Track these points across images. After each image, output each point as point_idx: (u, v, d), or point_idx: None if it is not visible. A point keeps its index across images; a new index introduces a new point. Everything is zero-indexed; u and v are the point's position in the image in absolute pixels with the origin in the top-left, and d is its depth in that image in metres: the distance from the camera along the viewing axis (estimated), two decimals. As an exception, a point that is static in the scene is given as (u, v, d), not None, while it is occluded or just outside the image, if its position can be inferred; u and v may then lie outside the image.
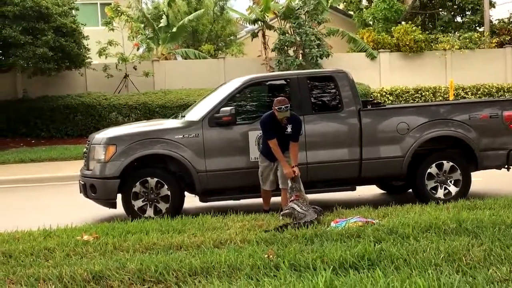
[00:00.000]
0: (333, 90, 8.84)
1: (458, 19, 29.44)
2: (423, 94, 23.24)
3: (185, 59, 26.20)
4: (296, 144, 7.99)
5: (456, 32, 26.81)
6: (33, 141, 20.00)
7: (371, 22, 27.96)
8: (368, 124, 8.65)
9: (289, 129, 7.88)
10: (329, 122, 8.72)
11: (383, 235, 5.73)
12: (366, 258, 4.85)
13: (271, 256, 5.10)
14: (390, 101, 22.50)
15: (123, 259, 5.25)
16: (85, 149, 8.92)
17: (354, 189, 8.81)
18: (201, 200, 8.61)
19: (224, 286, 4.32)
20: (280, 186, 8.01)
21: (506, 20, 28.03)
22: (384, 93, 22.88)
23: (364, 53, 24.62)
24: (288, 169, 7.77)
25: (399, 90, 23.13)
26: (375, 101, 10.64)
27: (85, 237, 6.32)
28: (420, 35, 24.59)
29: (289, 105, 7.82)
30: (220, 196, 8.52)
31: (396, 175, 8.91)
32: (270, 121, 7.96)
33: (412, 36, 24.39)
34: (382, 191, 10.27)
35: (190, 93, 21.00)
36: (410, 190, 9.23)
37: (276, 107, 7.78)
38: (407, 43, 24.38)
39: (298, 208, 7.11)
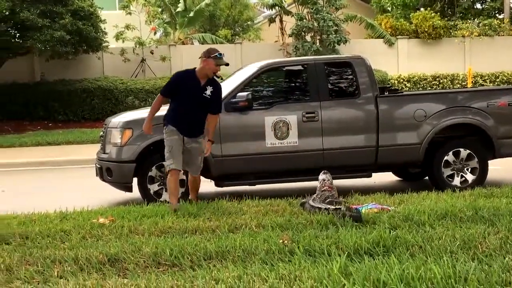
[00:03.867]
0: (351, 76, 8.79)
1: (478, 5, 29.10)
2: (441, 81, 23.05)
3: (202, 44, 26.16)
4: (216, 117, 7.34)
5: (476, 19, 26.50)
6: (50, 124, 20.15)
7: (389, 8, 27.72)
8: (385, 110, 8.59)
9: (208, 92, 7.13)
10: (346, 108, 8.67)
11: (398, 222, 5.70)
12: (381, 244, 4.83)
13: (285, 241, 5.10)
14: (407, 88, 22.37)
15: (139, 242, 5.27)
16: (101, 133, 8.96)
17: (370, 176, 8.77)
18: (217, 185, 8.63)
19: (238, 270, 4.32)
20: (192, 174, 7.47)
21: (526, 7, 27.66)
22: (401, 80, 22.73)
23: (382, 39, 24.44)
24: (147, 125, 7.24)
25: (416, 77, 22.97)
26: (393, 88, 10.55)
27: (101, 220, 6.35)
28: (439, 22, 24.33)
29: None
30: (236, 181, 8.52)
31: (412, 162, 8.85)
32: (185, 77, 7.20)
33: (431, 22, 24.14)
34: (398, 178, 10.22)
35: (207, 78, 20.97)
36: (427, 177, 9.17)
37: (212, 55, 7.01)
38: (426, 29, 24.15)
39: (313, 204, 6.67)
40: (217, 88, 7.23)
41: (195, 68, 7.25)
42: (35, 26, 18.63)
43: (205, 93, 7.12)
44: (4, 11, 18.17)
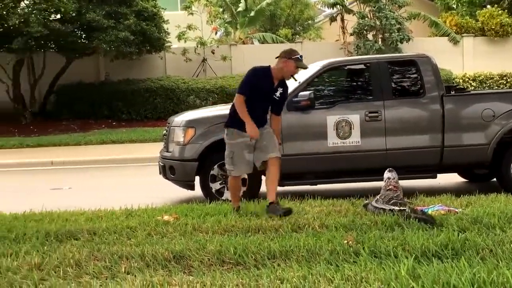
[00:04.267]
0: (415, 75, 8.61)
1: (548, 1, 28.09)
2: (509, 80, 22.36)
3: (262, 43, 26.23)
4: (279, 118, 6.95)
5: (546, 16, 25.62)
6: (114, 123, 20.60)
7: (454, 6, 27.10)
8: (451, 110, 8.38)
9: (278, 93, 6.73)
10: (410, 108, 8.51)
11: (467, 225, 5.54)
12: (450, 247, 4.70)
13: (350, 242, 5.03)
14: (473, 87, 21.81)
15: (203, 240, 5.30)
16: (164, 132, 9.08)
17: (435, 177, 8.57)
18: (278, 184, 8.59)
19: (303, 270, 4.29)
20: (270, 156, 6.64)
21: None
22: (466, 79, 22.18)
23: (447, 37, 23.90)
24: (253, 128, 6.51)
25: (482, 76, 22.37)
26: (459, 87, 10.29)
27: (165, 218, 6.43)
28: (507, 19, 23.63)
29: None
30: (297, 180, 8.47)
31: (479, 163, 8.60)
32: (261, 75, 6.67)
33: (498, 20, 23.48)
34: (464, 179, 9.96)
35: (267, 77, 20.98)
36: (494, 179, 8.90)
37: (293, 56, 6.57)
38: (493, 27, 23.50)
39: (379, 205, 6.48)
40: (286, 90, 6.87)
41: (269, 66, 6.85)
42: (100, 27, 19.07)
43: (275, 94, 6.74)
44: (71, 12, 18.68)
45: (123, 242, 5.43)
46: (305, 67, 6.98)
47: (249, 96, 6.62)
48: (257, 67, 6.87)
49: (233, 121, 6.76)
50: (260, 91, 6.65)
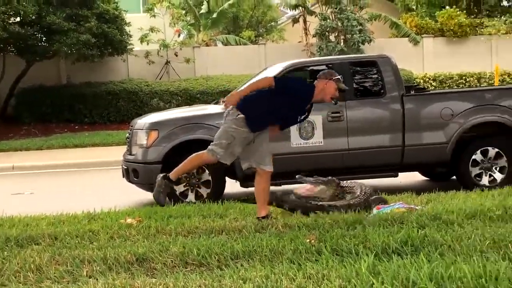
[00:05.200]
0: (376, 75, 8.75)
1: (505, 3, 28.73)
2: (468, 80, 22.78)
3: (226, 45, 26.22)
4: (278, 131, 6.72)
5: (503, 17, 26.16)
6: (76, 127, 20.35)
7: (414, 7, 27.49)
8: (411, 109, 8.54)
9: (302, 117, 6.56)
10: (372, 108, 8.64)
11: (426, 221, 5.63)
12: (410, 244, 4.78)
13: (312, 241, 5.08)
14: (433, 87, 22.16)
15: (166, 242, 5.28)
16: (127, 134, 9.03)
17: (396, 176, 8.71)
18: (242, 185, 8.62)
19: (266, 270, 4.31)
20: (255, 166, 6.44)
21: (555, 4, 27.26)
22: (427, 79, 22.51)
23: (407, 38, 24.24)
24: (234, 98, 6.24)
25: (442, 76, 22.73)
26: (419, 87, 10.48)
27: (129, 221, 6.38)
28: (465, 20, 24.08)
29: None
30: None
31: (439, 161, 8.76)
32: (310, 96, 6.35)
33: (457, 20, 23.91)
34: (425, 178, 10.14)
35: (231, 79, 21.05)
36: (454, 177, 9.08)
37: (334, 77, 6.36)
38: (452, 28, 23.92)
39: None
40: (309, 113, 6.61)
41: (314, 86, 6.40)
42: (61, 29, 18.82)
43: (301, 116, 6.49)
44: (30, 15, 18.41)
45: (85, 246, 5.38)
46: (345, 89, 6.61)
47: (283, 101, 6.26)
48: (305, 81, 6.52)
49: (250, 113, 6.26)
50: (295, 103, 6.35)
